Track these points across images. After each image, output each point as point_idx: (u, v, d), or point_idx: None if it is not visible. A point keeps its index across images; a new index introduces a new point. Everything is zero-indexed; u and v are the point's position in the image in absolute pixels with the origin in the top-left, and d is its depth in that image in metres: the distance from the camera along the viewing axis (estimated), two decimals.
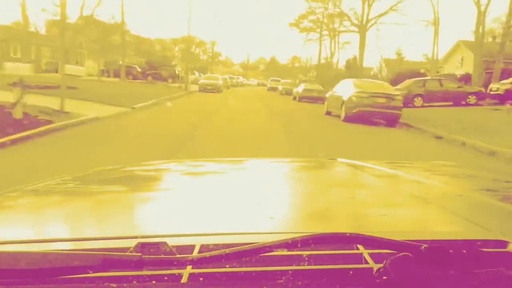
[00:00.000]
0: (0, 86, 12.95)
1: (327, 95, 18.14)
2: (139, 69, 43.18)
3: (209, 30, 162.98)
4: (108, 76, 39.04)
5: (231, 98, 26.87)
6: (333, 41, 55.01)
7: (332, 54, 55.37)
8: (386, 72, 47.39)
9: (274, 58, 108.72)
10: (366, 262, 0.65)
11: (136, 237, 0.67)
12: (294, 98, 29.67)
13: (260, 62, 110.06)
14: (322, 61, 56.93)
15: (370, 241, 0.61)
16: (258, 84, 77.52)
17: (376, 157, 7.31)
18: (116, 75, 38.23)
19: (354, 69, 42.52)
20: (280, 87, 40.56)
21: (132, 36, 59.45)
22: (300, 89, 28.94)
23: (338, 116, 15.45)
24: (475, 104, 21.57)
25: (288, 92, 36.24)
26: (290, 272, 0.60)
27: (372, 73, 47.66)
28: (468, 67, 31.83)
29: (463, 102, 22.17)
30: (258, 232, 0.79)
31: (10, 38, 37.43)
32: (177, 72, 43.36)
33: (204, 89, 31.93)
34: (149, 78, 39.45)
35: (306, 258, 0.64)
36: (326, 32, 56.30)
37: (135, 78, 39.10)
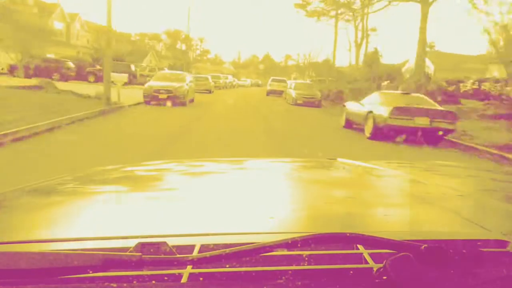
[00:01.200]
0: None
1: None
2: (71, 65, 29.43)
3: (198, 26, 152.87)
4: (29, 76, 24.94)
5: (197, 132, 10.68)
6: (359, 26, 39.86)
7: (358, 46, 39.80)
8: (434, 70, 34.18)
9: (268, 55, 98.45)
10: (366, 262, 0.65)
11: (136, 237, 0.67)
12: (348, 123, 12.79)
13: (252, 61, 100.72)
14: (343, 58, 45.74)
15: (370, 241, 0.61)
16: (252, 85, 65.51)
17: None
18: (39, 73, 25.36)
19: (376, 66, 29.84)
20: (292, 93, 23.50)
21: (88, 24, 46.20)
22: (378, 107, 10.71)
23: None
24: None
25: (308, 103, 22.09)
26: (290, 272, 0.60)
27: (404, 69, 31.06)
28: None
29: None
30: (258, 232, 0.79)
31: None
32: (133, 69, 29.86)
33: (153, 98, 16.31)
34: (90, 77, 28.34)
35: (306, 258, 0.64)
36: (343, 18, 40.43)
37: (64, 78, 26.68)
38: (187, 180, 1.41)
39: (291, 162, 1.94)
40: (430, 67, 35.66)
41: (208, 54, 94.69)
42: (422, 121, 10.06)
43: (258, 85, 66.20)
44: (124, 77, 18.20)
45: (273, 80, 34.20)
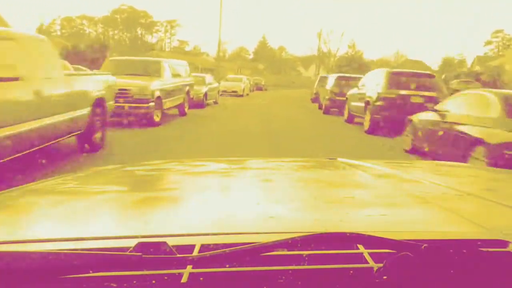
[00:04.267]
0: None
1: None
2: None
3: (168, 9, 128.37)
4: None
5: None
6: None
7: None
8: None
9: (264, 41, 75.02)
10: (366, 262, 0.65)
11: (136, 237, 0.67)
12: None
13: (239, 54, 75.98)
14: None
15: (370, 241, 0.61)
16: (251, 87, 34.73)
17: None
18: None
19: None
20: None
21: None
22: None
23: None
24: None
25: None
26: (290, 272, 0.60)
27: None
28: None
29: None
30: (258, 232, 0.78)
31: None
32: None
33: None
34: None
35: (306, 258, 0.64)
36: None
37: None
38: (187, 180, 1.41)
39: (291, 161, 1.94)
40: None
41: (186, 46, 74.94)
42: None
43: (261, 89, 40.49)
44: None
45: None
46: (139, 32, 62.23)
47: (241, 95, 27.45)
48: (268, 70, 52.11)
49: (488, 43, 73.34)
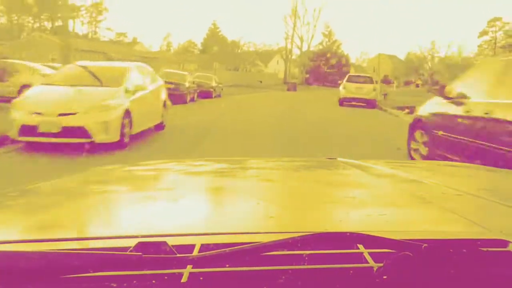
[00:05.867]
0: None
1: None
2: None
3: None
4: None
5: None
6: None
7: None
8: None
9: (215, 27, 60.66)
10: (366, 262, 0.65)
11: (136, 237, 0.67)
12: None
13: (187, 48, 63.07)
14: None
15: (370, 241, 0.61)
16: (190, 97, 17.76)
17: None
18: None
19: None
20: None
21: None
22: None
23: None
24: None
25: None
26: (290, 272, 0.60)
27: None
28: None
29: None
30: (258, 232, 0.78)
31: None
32: None
33: None
34: None
35: (306, 258, 0.64)
36: None
37: None
38: (187, 180, 1.41)
39: (290, 161, 1.94)
40: None
41: (125, 38, 64.40)
42: None
43: (211, 95, 22.91)
44: None
45: None
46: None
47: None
48: (221, 63, 40.36)
49: (483, 33, 64.79)
